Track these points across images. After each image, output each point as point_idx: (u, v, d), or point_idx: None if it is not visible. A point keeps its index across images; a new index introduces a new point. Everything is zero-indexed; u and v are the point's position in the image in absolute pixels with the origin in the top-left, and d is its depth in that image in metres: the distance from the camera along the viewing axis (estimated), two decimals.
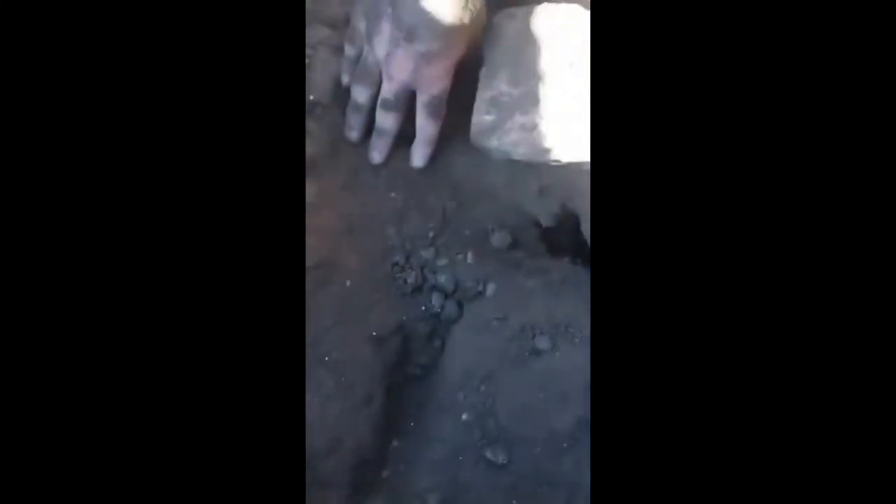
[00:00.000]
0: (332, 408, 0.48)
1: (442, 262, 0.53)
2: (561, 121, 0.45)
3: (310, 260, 0.48)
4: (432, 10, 0.43)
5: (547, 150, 0.45)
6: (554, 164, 0.45)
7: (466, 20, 0.43)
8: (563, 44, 0.45)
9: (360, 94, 0.49)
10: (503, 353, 0.49)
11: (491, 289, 0.52)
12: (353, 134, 0.51)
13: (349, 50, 0.50)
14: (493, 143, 0.46)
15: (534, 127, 0.45)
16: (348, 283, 0.50)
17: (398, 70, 0.45)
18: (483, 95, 0.47)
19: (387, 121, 0.49)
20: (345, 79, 0.50)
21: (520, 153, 0.45)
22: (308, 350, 0.48)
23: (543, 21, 0.46)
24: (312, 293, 0.48)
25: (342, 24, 0.51)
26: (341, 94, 0.51)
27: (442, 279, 0.53)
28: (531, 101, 0.45)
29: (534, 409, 0.48)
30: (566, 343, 0.48)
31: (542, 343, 0.49)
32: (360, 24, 0.48)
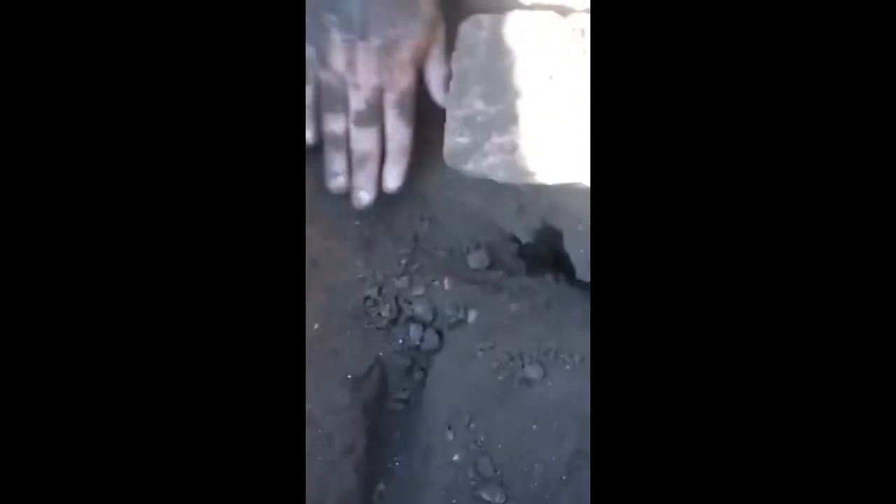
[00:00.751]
0: (311, 464, 0.44)
1: (417, 290, 0.49)
2: (544, 140, 0.41)
3: None
4: (378, 1, 0.41)
5: (530, 173, 0.41)
6: (537, 186, 0.42)
7: (419, 5, 0.42)
8: (539, 54, 0.41)
9: (335, 123, 0.45)
10: (491, 385, 0.46)
11: (472, 315, 0.49)
12: (340, 179, 0.46)
13: (306, 94, 0.45)
14: (469, 166, 0.42)
15: (514, 148, 0.41)
16: (316, 326, 0.46)
17: (363, 72, 0.43)
18: (455, 114, 0.42)
19: (365, 140, 0.45)
20: (308, 135, 0.46)
21: (500, 177, 0.42)
22: None
23: (516, 30, 0.42)
24: None
25: None
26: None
27: (419, 309, 0.49)
28: (509, 119, 0.41)
29: (528, 443, 0.45)
30: (558, 370, 0.46)
31: (533, 372, 0.46)
32: (308, 50, 0.44)
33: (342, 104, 0.45)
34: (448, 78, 0.44)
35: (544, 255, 0.54)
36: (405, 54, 0.44)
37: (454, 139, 0.42)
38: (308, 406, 0.45)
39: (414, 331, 0.49)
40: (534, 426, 0.46)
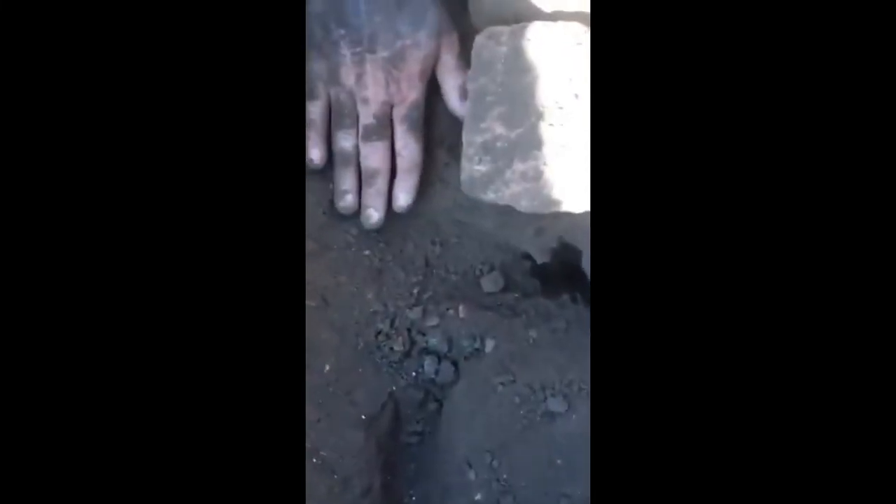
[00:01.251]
0: None
1: (431, 321, 0.47)
2: (570, 165, 0.38)
3: None
4: (386, 13, 0.41)
5: (556, 202, 0.38)
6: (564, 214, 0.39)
7: (427, 15, 0.41)
8: (564, 71, 0.38)
9: (345, 140, 0.43)
10: (513, 420, 0.44)
11: (490, 345, 0.47)
12: (349, 198, 0.43)
13: (311, 110, 0.43)
14: (488, 196, 0.39)
15: (538, 175, 0.38)
16: (327, 367, 0.43)
17: (373, 86, 0.42)
18: (473, 139, 0.39)
19: (374, 155, 0.43)
20: (314, 154, 0.43)
21: (523, 206, 0.39)
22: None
23: (537, 44, 0.38)
24: None
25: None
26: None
27: (433, 341, 0.47)
28: (532, 143, 0.38)
29: (553, 480, 0.44)
30: (582, 402, 0.44)
31: (556, 405, 0.44)
32: (318, 67, 0.42)
33: (351, 120, 0.43)
34: (463, 86, 0.42)
35: (560, 273, 0.52)
36: (413, 66, 0.42)
37: (472, 167, 0.39)
38: (323, 452, 0.42)
39: (429, 364, 0.46)
40: (558, 461, 0.44)
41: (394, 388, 0.46)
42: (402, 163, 0.44)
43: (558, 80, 0.38)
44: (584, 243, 0.46)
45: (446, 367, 0.47)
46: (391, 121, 0.43)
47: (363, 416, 0.44)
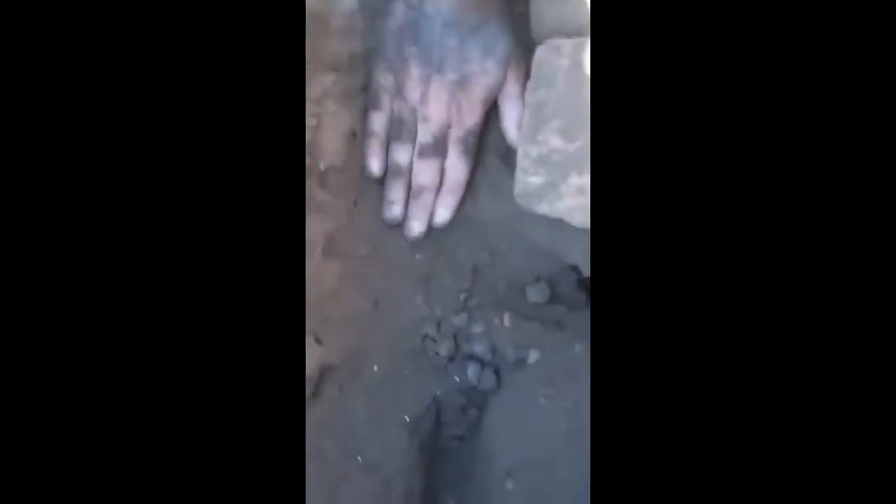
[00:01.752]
0: None
1: (476, 328, 0.47)
2: None
3: (339, 355, 0.42)
4: (459, 37, 0.42)
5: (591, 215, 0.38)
6: None
7: (498, 44, 0.42)
8: None
9: (401, 153, 0.44)
10: (556, 434, 0.44)
11: (533, 356, 0.47)
12: (396, 209, 0.45)
13: (375, 121, 0.44)
14: (542, 208, 0.39)
15: None
16: (376, 367, 0.44)
17: (435, 105, 0.43)
18: (528, 151, 0.39)
19: (426, 173, 0.44)
20: (373, 165, 0.44)
21: (577, 221, 0.39)
22: (338, 451, 0.42)
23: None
24: (343, 388, 0.42)
25: (347, 66, 0.43)
26: (355, 153, 0.43)
27: (478, 348, 0.47)
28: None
29: None
30: None
31: None
32: (385, 79, 0.43)
33: (410, 135, 0.44)
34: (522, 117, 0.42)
35: None
36: (477, 92, 0.43)
37: (527, 178, 0.39)
38: (368, 451, 0.43)
39: (472, 370, 0.47)
40: None
41: (438, 392, 0.47)
42: (447, 181, 0.45)
43: None
44: None
45: (488, 374, 0.47)
46: (446, 140, 0.44)
47: (408, 418, 0.45)
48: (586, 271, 0.49)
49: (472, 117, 0.43)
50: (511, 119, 0.43)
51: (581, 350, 0.46)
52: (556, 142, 0.38)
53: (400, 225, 0.45)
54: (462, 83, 0.42)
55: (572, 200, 0.38)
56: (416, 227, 0.45)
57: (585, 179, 0.38)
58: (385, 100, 0.44)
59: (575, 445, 0.44)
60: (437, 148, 0.44)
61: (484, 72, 0.42)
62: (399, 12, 0.42)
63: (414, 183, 0.44)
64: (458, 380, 0.47)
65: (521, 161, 0.39)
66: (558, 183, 0.38)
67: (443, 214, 0.45)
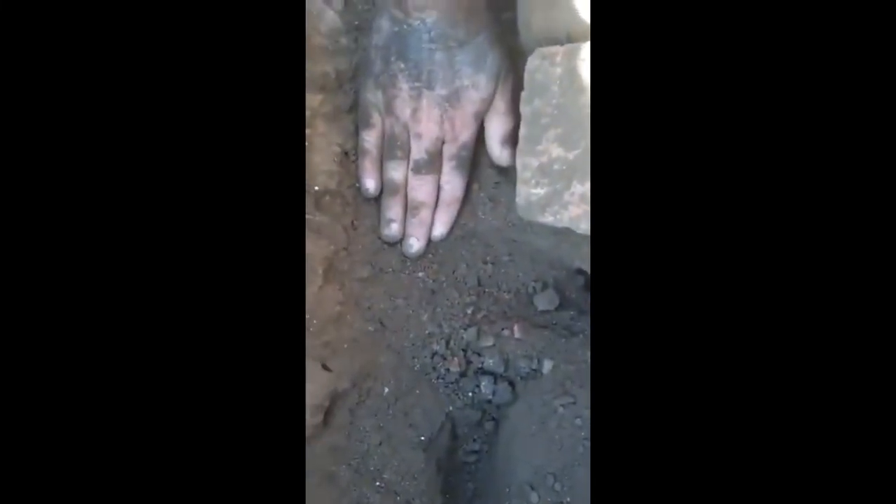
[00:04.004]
0: None
1: (486, 342, 0.46)
2: None
3: (347, 380, 0.41)
4: (447, 51, 0.41)
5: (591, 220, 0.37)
6: None
7: (488, 58, 0.41)
8: None
9: (395, 171, 0.43)
10: (575, 442, 0.44)
11: (547, 365, 0.46)
12: (394, 227, 0.44)
13: (367, 139, 0.43)
14: (546, 218, 0.38)
15: None
16: (386, 390, 0.43)
17: (427, 121, 0.42)
18: (528, 162, 0.38)
19: (422, 189, 0.44)
20: (369, 184, 0.44)
21: (583, 229, 0.38)
22: (356, 475, 0.41)
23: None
24: (353, 413, 0.42)
25: (334, 85, 0.42)
26: (348, 173, 0.42)
27: (490, 362, 0.46)
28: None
29: None
30: None
31: None
32: (374, 97, 0.42)
33: (403, 152, 0.43)
34: (508, 134, 0.42)
35: None
36: (469, 107, 0.42)
37: (529, 190, 0.38)
38: (385, 475, 0.43)
39: (485, 384, 0.46)
40: None
41: (451, 408, 0.46)
42: (443, 196, 0.44)
43: None
44: None
45: (503, 387, 0.46)
46: (440, 156, 0.44)
47: (422, 438, 0.44)
48: None
49: (465, 132, 0.43)
50: (495, 137, 0.43)
51: None
52: (556, 151, 0.38)
53: (398, 243, 0.45)
54: (453, 98, 0.42)
55: (577, 209, 0.37)
56: (415, 243, 0.44)
57: (588, 186, 0.38)
58: (375, 117, 0.43)
59: None
60: (432, 163, 0.43)
61: (475, 86, 0.42)
62: (384, 27, 0.42)
63: (410, 199, 0.44)
64: (471, 395, 0.46)
65: (522, 173, 0.39)
66: (562, 192, 0.38)
67: (440, 229, 0.45)
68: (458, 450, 0.47)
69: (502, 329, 0.46)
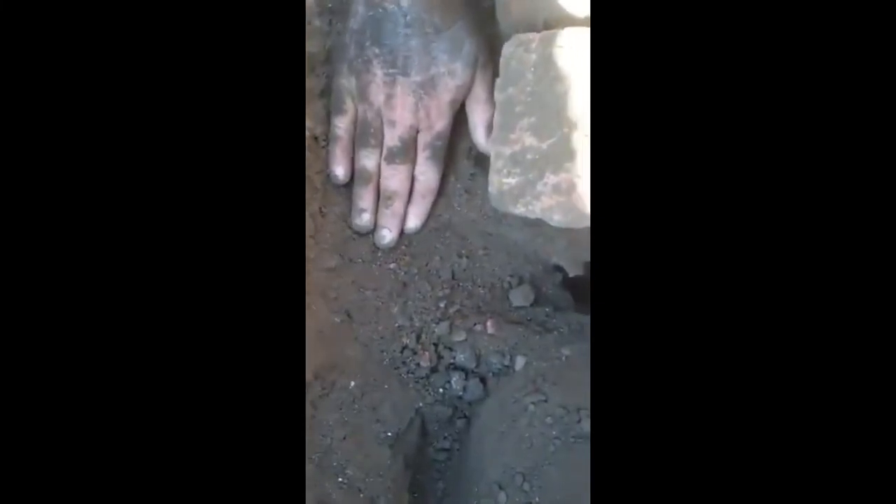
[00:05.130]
0: None
1: (458, 336, 0.45)
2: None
3: (309, 371, 0.40)
4: (424, 37, 0.40)
5: (590, 216, 0.36)
6: None
7: (465, 45, 0.40)
8: None
9: (368, 159, 0.42)
10: (545, 441, 0.42)
11: (520, 362, 0.45)
12: (366, 216, 0.43)
13: (338, 125, 0.42)
14: (518, 209, 0.37)
15: (571, 188, 0.36)
16: (352, 383, 0.42)
17: (401, 108, 0.41)
18: (501, 151, 0.37)
19: (395, 177, 0.42)
20: (338, 171, 0.43)
21: (556, 221, 0.37)
22: (317, 471, 0.40)
23: (569, 51, 0.36)
24: (316, 405, 0.40)
25: (306, 68, 0.41)
26: (317, 159, 0.41)
27: (461, 357, 0.45)
28: (565, 155, 0.36)
29: None
30: None
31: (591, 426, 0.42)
32: (347, 82, 0.41)
33: (376, 140, 0.42)
34: (492, 120, 0.41)
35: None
36: (445, 95, 0.41)
37: (501, 179, 0.37)
38: (348, 471, 0.41)
39: (456, 380, 0.45)
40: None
41: (420, 404, 0.45)
42: (418, 187, 0.43)
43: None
44: None
45: (474, 383, 0.45)
46: (415, 145, 0.43)
47: (389, 434, 0.43)
48: (571, 271, 0.48)
49: (440, 121, 0.42)
50: (479, 124, 0.42)
51: (569, 353, 0.45)
52: (529, 140, 0.37)
53: (370, 233, 0.44)
54: (428, 85, 0.41)
55: (550, 200, 0.36)
56: (387, 235, 0.43)
57: (562, 177, 0.36)
58: (348, 103, 0.42)
59: (566, 452, 0.42)
60: (406, 152, 0.42)
61: (451, 73, 0.41)
62: (360, 11, 0.41)
63: (383, 189, 0.43)
64: (442, 391, 0.45)
65: (495, 162, 0.38)
66: (534, 182, 0.37)
67: (414, 221, 0.44)
68: (428, 447, 0.46)
69: (475, 324, 0.45)
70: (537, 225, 0.44)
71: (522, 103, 0.37)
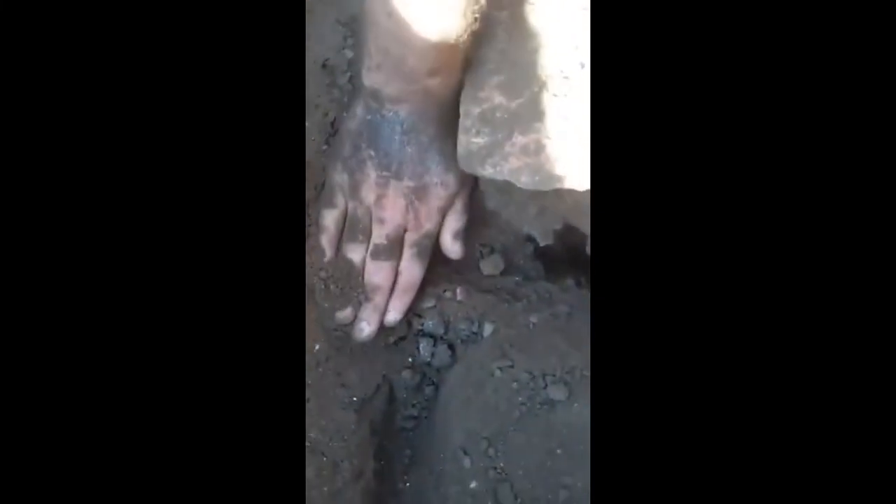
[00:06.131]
0: (318, 496, 0.40)
1: (427, 303, 0.45)
2: (574, 139, 0.36)
3: None
4: (419, 146, 0.40)
5: (558, 178, 0.36)
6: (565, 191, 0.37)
7: (456, 154, 0.40)
8: (568, 38, 0.35)
9: (354, 252, 0.43)
10: (511, 406, 0.42)
11: (488, 329, 0.45)
12: (347, 310, 0.44)
13: (327, 217, 0.43)
14: (487, 170, 0.37)
15: (539, 149, 0.36)
16: (317, 346, 0.42)
17: (391, 209, 0.42)
18: (470, 110, 0.37)
19: (379, 273, 0.43)
20: (327, 252, 0.43)
21: (523, 182, 0.37)
22: None
23: (541, 9, 0.36)
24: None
25: None
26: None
27: (429, 324, 0.45)
28: (534, 115, 0.36)
29: (551, 470, 0.42)
30: (584, 390, 0.42)
31: (557, 393, 0.42)
32: (340, 178, 0.42)
33: (364, 236, 0.43)
34: (461, 229, 0.43)
35: (563, 256, 0.50)
36: (434, 202, 0.42)
37: (469, 139, 0.37)
38: (311, 434, 0.41)
39: (424, 346, 0.45)
40: (558, 450, 0.42)
41: (388, 370, 0.45)
42: (401, 281, 0.43)
43: (563, 48, 0.36)
44: (588, 225, 0.44)
45: (442, 350, 0.45)
46: (401, 243, 0.43)
47: (354, 398, 0.43)
48: (542, 241, 0.47)
49: (428, 223, 0.43)
50: (449, 230, 0.43)
51: (537, 320, 0.45)
52: (498, 98, 0.36)
53: (349, 324, 0.44)
54: (420, 192, 0.41)
55: (518, 161, 0.36)
56: (366, 328, 0.43)
57: (530, 138, 0.36)
58: (339, 199, 0.43)
59: (531, 418, 0.42)
60: (392, 250, 0.43)
61: (444, 184, 0.42)
62: (359, 114, 0.41)
63: (367, 283, 0.43)
64: (410, 358, 0.45)
65: (464, 121, 0.37)
66: (503, 142, 0.36)
67: (394, 315, 0.44)
68: (396, 414, 0.46)
69: (444, 291, 0.45)
70: (508, 192, 0.44)
71: (493, 61, 0.36)
